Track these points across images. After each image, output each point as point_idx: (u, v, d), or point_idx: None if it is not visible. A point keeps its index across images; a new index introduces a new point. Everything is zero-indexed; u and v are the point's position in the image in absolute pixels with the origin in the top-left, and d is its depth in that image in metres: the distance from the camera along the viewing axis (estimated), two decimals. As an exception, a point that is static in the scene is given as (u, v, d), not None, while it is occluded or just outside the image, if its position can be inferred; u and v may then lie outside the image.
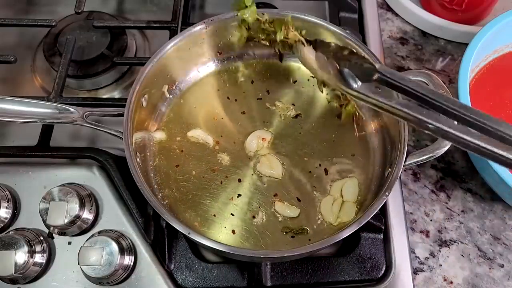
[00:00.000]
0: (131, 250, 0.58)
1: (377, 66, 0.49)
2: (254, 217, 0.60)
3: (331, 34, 0.66)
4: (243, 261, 0.60)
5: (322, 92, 0.65)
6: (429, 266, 0.65)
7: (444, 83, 0.62)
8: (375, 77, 0.49)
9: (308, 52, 0.58)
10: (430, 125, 0.45)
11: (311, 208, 0.61)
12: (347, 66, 0.50)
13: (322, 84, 0.63)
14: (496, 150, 0.43)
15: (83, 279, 0.57)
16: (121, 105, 0.60)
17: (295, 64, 0.70)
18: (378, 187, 0.60)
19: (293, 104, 0.69)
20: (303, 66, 0.63)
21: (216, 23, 0.66)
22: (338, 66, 0.50)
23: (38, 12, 0.87)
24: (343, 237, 0.51)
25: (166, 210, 0.53)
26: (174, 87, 0.69)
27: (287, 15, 0.64)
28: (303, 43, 0.61)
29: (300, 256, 0.55)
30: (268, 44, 0.67)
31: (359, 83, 0.49)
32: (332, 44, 0.53)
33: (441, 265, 0.65)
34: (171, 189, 0.62)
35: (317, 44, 0.56)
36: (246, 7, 0.64)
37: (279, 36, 0.64)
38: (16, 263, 0.54)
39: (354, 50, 0.50)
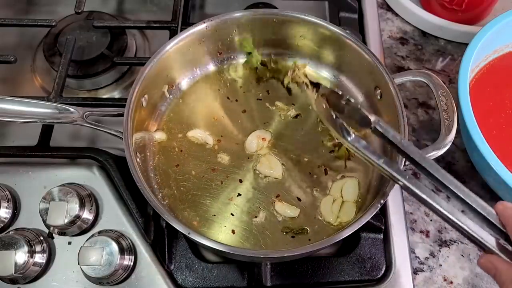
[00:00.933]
0: (131, 250, 0.58)
1: (372, 119, 0.51)
2: (254, 217, 0.60)
3: (331, 34, 0.66)
4: (243, 261, 0.60)
5: (319, 128, 0.67)
6: (429, 266, 0.65)
7: (444, 83, 0.62)
8: (370, 127, 0.52)
9: (311, 95, 0.61)
10: (403, 186, 0.49)
11: (311, 208, 0.61)
12: (343, 116, 0.53)
13: (321, 121, 0.65)
14: (464, 225, 0.46)
15: (83, 279, 0.57)
16: (121, 105, 0.60)
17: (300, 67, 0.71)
18: (378, 187, 0.60)
19: (293, 104, 0.69)
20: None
21: (216, 23, 0.66)
22: (335, 116, 0.52)
23: (38, 12, 0.87)
24: (343, 237, 0.51)
25: (166, 210, 0.53)
26: (174, 87, 0.69)
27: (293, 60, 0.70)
28: (306, 85, 0.64)
29: (300, 256, 0.55)
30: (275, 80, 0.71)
31: (352, 136, 0.51)
32: (333, 92, 0.56)
33: (441, 265, 0.65)
34: (171, 189, 0.62)
35: (319, 89, 0.58)
36: (250, 53, 0.70)
37: (287, 80, 0.69)
38: (16, 263, 0.54)
39: (352, 101, 0.53)
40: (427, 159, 0.49)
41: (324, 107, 0.55)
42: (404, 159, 0.52)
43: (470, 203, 0.46)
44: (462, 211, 0.47)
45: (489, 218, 0.46)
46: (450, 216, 0.46)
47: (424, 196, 0.47)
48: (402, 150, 0.50)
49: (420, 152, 0.50)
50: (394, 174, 0.49)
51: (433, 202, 0.47)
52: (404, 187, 0.49)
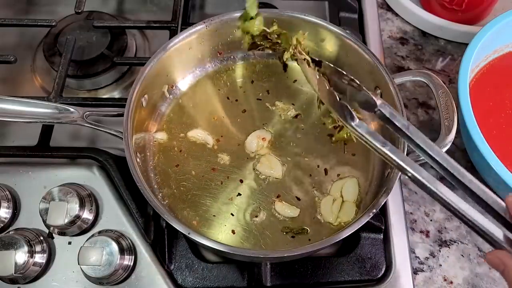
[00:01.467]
0: (131, 250, 0.58)
1: (378, 102, 0.49)
2: (254, 217, 0.60)
3: (331, 34, 0.66)
4: (243, 261, 0.60)
5: (319, 109, 0.66)
6: (429, 266, 0.65)
7: (444, 83, 0.62)
8: (375, 111, 0.49)
9: (312, 74, 0.59)
10: (409, 175, 0.46)
11: (311, 208, 0.61)
12: (348, 98, 0.50)
13: (321, 102, 0.64)
14: (470, 215, 0.44)
15: (83, 279, 0.57)
16: (121, 105, 0.60)
17: (295, 64, 0.70)
18: (378, 187, 0.60)
19: (293, 104, 0.69)
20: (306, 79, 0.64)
21: (216, 23, 0.66)
22: (338, 98, 0.50)
23: (38, 12, 0.87)
24: (343, 237, 0.51)
25: (166, 210, 0.53)
26: (174, 87, 0.69)
27: (296, 30, 0.64)
28: (308, 63, 0.61)
29: (300, 256, 0.55)
30: (271, 52, 0.67)
31: (357, 121, 0.49)
32: (336, 71, 0.53)
33: (441, 265, 0.65)
34: (171, 189, 0.62)
35: (322, 67, 0.56)
36: (252, 18, 0.64)
37: (286, 55, 0.64)
38: (16, 263, 0.54)
39: (356, 81, 0.50)
40: (435, 147, 0.47)
41: (327, 88, 0.53)
42: (407, 147, 0.51)
43: (479, 195, 0.44)
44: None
45: (498, 211, 0.44)
46: (458, 209, 0.44)
47: (431, 187, 0.45)
48: (409, 137, 0.48)
49: (427, 140, 0.48)
50: (400, 162, 0.46)
51: (441, 193, 0.45)
52: (411, 177, 0.46)
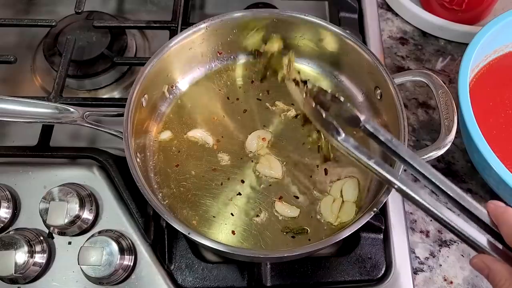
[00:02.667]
0: (131, 250, 0.58)
1: (362, 118, 0.50)
2: (254, 217, 0.60)
3: (331, 34, 0.66)
4: (243, 261, 0.60)
5: (302, 126, 0.66)
6: (429, 266, 0.65)
7: (444, 83, 0.62)
8: (360, 126, 0.50)
9: (298, 92, 0.59)
10: (396, 187, 0.47)
11: (311, 208, 0.61)
12: (333, 114, 0.52)
13: (305, 120, 0.64)
14: (458, 226, 0.45)
15: (83, 279, 0.57)
16: (121, 105, 0.60)
17: (294, 65, 0.71)
18: (378, 187, 0.60)
19: (293, 104, 0.68)
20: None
21: (216, 23, 0.66)
22: (324, 115, 0.51)
23: (38, 12, 0.87)
24: (343, 237, 0.51)
25: (166, 210, 0.53)
26: (174, 87, 0.69)
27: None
28: (297, 82, 0.61)
29: (300, 256, 0.55)
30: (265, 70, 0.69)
31: (342, 135, 0.50)
32: (320, 89, 0.54)
33: (441, 265, 0.65)
34: (170, 189, 0.62)
35: (307, 86, 0.57)
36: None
37: (280, 76, 0.66)
38: (16, 263, 0.54)
39: (340, 98, 0.52)
40: (418, 159, 0.48)
41: (313, 105, 0.54)
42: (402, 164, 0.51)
43: (463, 204, 0.46)
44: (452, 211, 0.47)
45: (480, 217, 0.46)
46: (442, 216, 0.45)
47: (416, 196, 0.46)
48: (393, 150, 0.49)
49: (410, 152, 0.49)
50: (385, 174, 0.48)
51: (424, 201, 0.46)
52: (397, 189, 0.47)
